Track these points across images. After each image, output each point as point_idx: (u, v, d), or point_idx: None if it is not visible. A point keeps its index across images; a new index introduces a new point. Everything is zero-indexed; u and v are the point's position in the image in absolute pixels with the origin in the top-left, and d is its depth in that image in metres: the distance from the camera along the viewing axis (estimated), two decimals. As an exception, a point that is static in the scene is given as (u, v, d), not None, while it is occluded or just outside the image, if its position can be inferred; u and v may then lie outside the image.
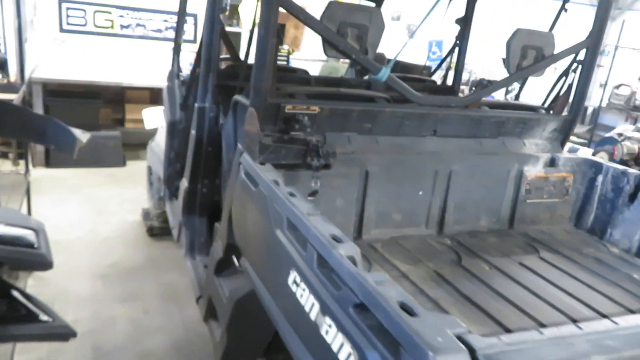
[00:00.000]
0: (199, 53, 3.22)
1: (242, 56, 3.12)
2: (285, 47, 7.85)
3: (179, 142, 3.84)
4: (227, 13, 3.06)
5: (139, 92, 6.97)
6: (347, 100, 2.38)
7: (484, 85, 2.50)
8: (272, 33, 1.98)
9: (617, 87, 7.43)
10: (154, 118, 4.61)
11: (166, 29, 7.34)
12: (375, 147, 2.36)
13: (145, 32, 7.19)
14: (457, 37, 3.57)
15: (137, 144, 7.28)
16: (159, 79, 6.86)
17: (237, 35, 7.44)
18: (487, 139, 2.63)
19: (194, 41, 7.46)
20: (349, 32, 2.21)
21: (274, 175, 1.78)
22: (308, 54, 8.73)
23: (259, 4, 2.01)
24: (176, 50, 4.25)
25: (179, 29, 4.22)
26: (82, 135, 2.47)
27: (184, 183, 3.31)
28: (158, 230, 4.80)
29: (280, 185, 1.74)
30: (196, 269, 3.24)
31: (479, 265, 2.15)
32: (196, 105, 3.06)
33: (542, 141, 2.78)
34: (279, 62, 3.77)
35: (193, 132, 3.09)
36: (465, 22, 3.49)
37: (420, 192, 2.39)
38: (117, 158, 6.64)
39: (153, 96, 7.12)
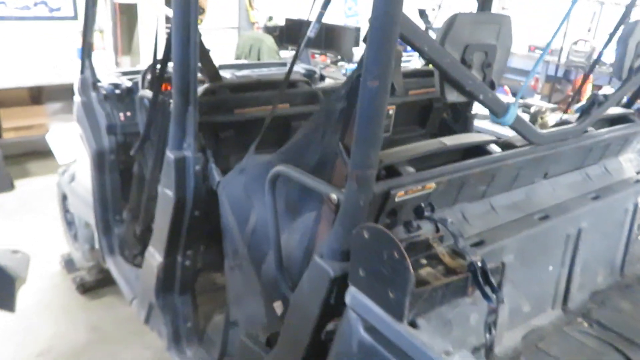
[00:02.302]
0: (160, 71, 2.19)
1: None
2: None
3: (126, 184, 2.81)
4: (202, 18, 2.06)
5: (14, 92, 5.43)
6: (456, 158, 1.61)
7: (600, 102, 1.84)
8: (387, 84, 1.14)
9: (575, 42, 7.23)
10: (68, 146, 3.40)
11: (35, 4, 5.73)
12: (495, 219, 1.65)
13: (6, 12, 5.54)
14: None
15: (21, 155, 5.79)
16: (39, 73, 5.39)
17: (132, 7, 6.03)
18: (591, 167, 2.03)
19: (75, 18, 5.97)
20: (474, 59, 1.41)
21: None
22: (214, 20, 7.49)
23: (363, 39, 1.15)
24: (87, 51, 3.06)
25: (88, 20, 3.02)
26: (21, 265, 1.46)
27: (156, 257, 2.35)
28: (92, 283, 3.71)
29: None
30: None
31: (662, 369, 1.59)
32: (169, 154, 2.08)
33: (633, 155, 2.25)
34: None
35: (169, 193, 2.13)
36: (484, -4, 2.79)
37: (551, 267, 1.74)
38: (0, 181, 5.17)
39: (34, 95, 5.62)
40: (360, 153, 1.19)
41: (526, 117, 4.88)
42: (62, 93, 5.37)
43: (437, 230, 1.36)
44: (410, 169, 1.42)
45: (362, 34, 7.82)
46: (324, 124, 1.49)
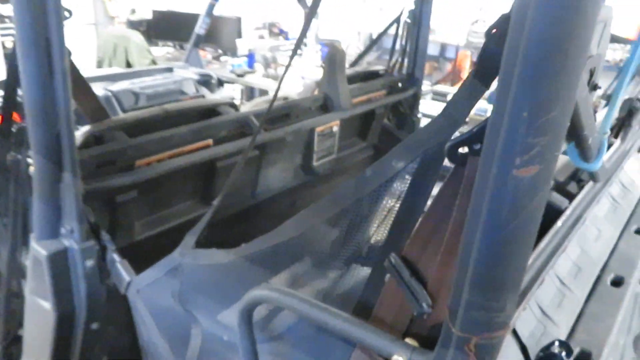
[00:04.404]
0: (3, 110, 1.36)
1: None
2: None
3: None
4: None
5: None
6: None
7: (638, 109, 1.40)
8: (550, 172, 0.54)
9: (473, 23, 7.08)
10: None
11: None
12: (573, 301, 1.15)
13: None
14: (415, 5, 2.38)
15: None
16: None
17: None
18: (611, 187, 1.62)
19: None
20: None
21: None
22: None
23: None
24: None
25: None
26: None
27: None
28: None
29: None
30: None
31: None
32: (37, 248, 1.30)
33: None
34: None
35: (45, 305, 1.36)
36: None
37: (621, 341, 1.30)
38: None
39: None
40: (481, 303, 0.58)
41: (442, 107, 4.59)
42: None
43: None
44: None
45: (245, 24, 7.00)
46: (355, 218, 0.85)
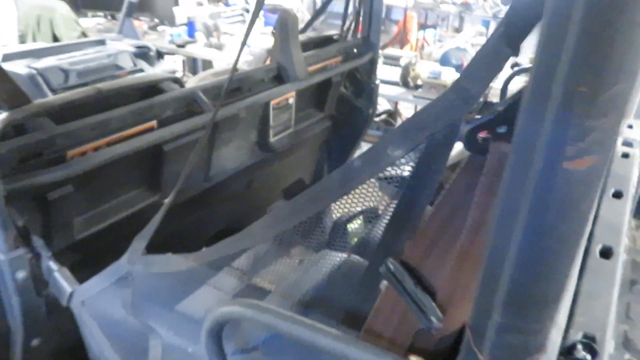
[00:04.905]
0: None
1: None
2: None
3: None
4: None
5: None
6: None
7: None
8: (605, 163, 0.42)
9: None
10: None
11: None
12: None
13: None
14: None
15: None
16: None
17: None
18: None
19: None
20: None
21: None
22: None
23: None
24: None
25: None
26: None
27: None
28: None
29: None
30: None
31: None
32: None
33: None
34: None
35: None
36: None
37: None
38: None
39: None
40: (517, 325, 0.47)
41: (397, 72, 4.48)
42: None
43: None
44: None
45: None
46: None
